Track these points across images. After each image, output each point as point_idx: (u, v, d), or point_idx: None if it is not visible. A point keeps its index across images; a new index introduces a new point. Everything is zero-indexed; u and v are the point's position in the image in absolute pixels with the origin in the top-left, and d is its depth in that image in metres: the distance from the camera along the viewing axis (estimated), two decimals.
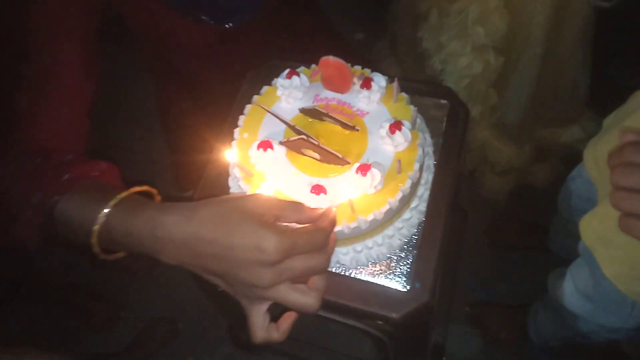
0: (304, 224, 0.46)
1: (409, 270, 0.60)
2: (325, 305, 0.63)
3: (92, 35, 0.63)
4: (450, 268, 1.14)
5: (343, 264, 0.61)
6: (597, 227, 0.62)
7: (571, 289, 0.75)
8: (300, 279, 0.46)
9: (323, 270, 0.47)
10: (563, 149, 1.13)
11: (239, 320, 1.05)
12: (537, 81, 0.95)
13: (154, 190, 0.52)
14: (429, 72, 1.01)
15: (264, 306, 0.48)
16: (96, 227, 0.46)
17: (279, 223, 0.45)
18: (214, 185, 0.68)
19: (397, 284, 0.60)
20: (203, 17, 0.74)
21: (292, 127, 0.59)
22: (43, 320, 1.27)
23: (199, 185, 0.69)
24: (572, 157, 0.93)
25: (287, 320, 0.51)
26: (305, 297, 0.45)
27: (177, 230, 0.43)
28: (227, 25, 0.76)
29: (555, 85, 0.99)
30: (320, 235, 0.45)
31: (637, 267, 0.59)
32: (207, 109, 0.85)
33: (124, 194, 0.47)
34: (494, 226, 1.32)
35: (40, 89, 0.57)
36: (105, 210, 0.46)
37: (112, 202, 0.46)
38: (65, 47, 0.59)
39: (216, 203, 0.44)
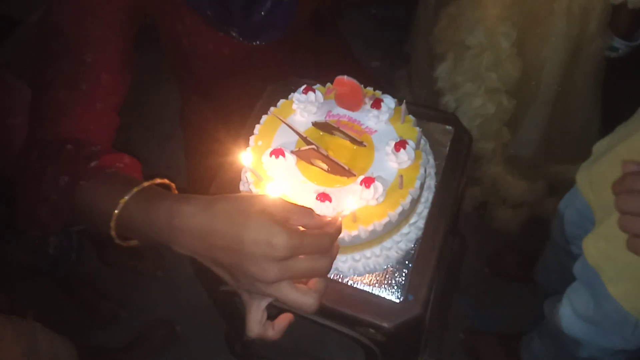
0: (311, 228, 0.49)
1: (403, 282, 0.63)
2: (321, 310, 0.66)
3: (130, 37, 0.67)
4: (447, 291, 1.15)
5: (341, 271, 0.64)
6: (602, 247, 0.64)
7: (569, 313, 0.76)
8: (302, 279, 0.48)
9: (325, 273, 0.49)
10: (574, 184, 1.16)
11: (237, 329, 1.07)
12: (548, 122, 0.99)
13: (172, 184, 0.55)
14: (444, 109, 1.05)
15: (264, 303, 0.50)
16: (116, 212, 0.49)
17: (289, 224, 0.48)
18: (225, 191, 0.72)
19: (391, 295, 0.62)
20: (233, 33, 0.78)
21: (304, 138, 0.64)
22: (47, 308, 1.30)
23: (210, 190, 0.73)
24: None
25: (284, 320, 0.53)
26: (305, 297, 0.47)
27: (192, 220, 0.45)
28: (255, 43, 0.81)
29: (566, 125, 1.02)
30: (326, 240, 0.48)
31: None
32: (226, 118, 0.90)
33: (145, 184, 0.51)
34: (494, 256, 1.34)
35: (78, 83, 0.60)
36: (127, 197, 0.49)
37: (135, 189, 0.49)
38: (106, 45, 0.63)
39: (232, 198, 0.47)
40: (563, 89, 0.94)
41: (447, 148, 0.74)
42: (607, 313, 0.65)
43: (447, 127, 0.76)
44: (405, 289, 0.63)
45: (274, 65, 0.84)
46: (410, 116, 0.67)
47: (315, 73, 0.74)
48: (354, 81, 0.64)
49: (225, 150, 0.69)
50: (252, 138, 0.68)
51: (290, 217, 0.47)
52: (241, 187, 0.70)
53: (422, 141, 0.67)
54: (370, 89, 0.70)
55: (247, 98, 0.79)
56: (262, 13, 0.77)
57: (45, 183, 0.54)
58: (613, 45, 0.88)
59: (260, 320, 0.51)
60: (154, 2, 0.72)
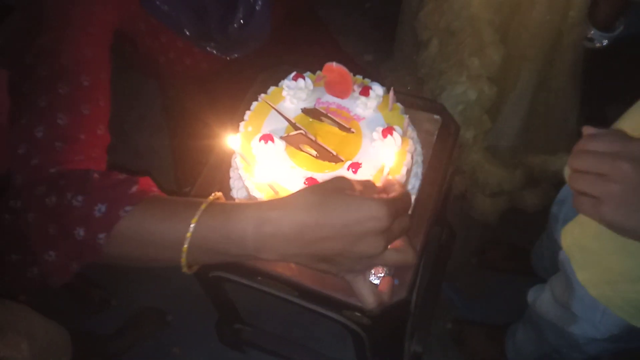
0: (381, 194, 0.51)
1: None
2: (309, 295, 0.67)
3: (112, 57, 0.64)
4: (434, 281, 1.17)
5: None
6: (575, 234, 0.66)
7: (549, 299, 0.78)
8: (397, 240, 0.50)
9: (410, 228, 0.51)
10: (553, 175, 1.18)
11: (227, 316, 1.08)
12: (528, 111, 1.01)
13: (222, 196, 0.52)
14: (427, 95, 1.07)
15: (367, 275, 0.52)
16: (189, 235, 0.45)
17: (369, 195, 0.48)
18: (214, 179, 0.72)
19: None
20: (210, 49, 0.78)
21: (292, 124, 0.64)
22: (34, 295, 1.30)
23: (199, 179, 0.73)
24: (563, 184, 0.98)
25: (388, 284, 0.54)
26: (405, 254, 0.50)
27: (284, 222, 0.44)
28: (233, 56, 0.80)
29: (546, 115, 1.04)
30: (407, 199, 0.50)
31: (608, 272, 0.62)
32: (211, 109, 0.90)
33: (210, 199, 0.48)
34: (482, 248, 1.36)
35: (80, 108, 0.56)
36: (197, 216, 0.45)
37: (203, 206, 0.46)
38: (100, 65, 0.60)
39: (306, 191, 0.46)
40: (543, 79, 0.95)
41: (435, 137, 0.75)
42: (579, 297, 0.67)
43: (436, 116, 0.77)
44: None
45: (255, 73, 0.84)
46: (398, 104, 0.68)
47: (297, 64, 0.74)
48: (342, 68, 0.65)
49: (214, 134, 0.69)
50: (242, 124, 0.68)
51: (362, 190, 0.48)
52: (231, 173, 0.71)
53: (410, 129, 0.68)
54: (359, 77, 0.71)
55: (231, 91, 0.79)
56: (236, 25, 0.77)
57: (69, 217, 0.48)
58: (591, 37, 0.89)
59: (374, 290, 0.51)
60: (132, 21, 0.71)
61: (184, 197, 0.50)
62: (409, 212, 0.51)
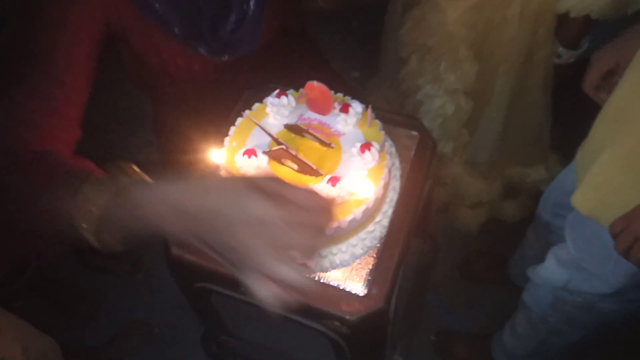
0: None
1: (368, 277, 0.67)
2: (289, 305, 0.69)
3: (97, 55, 0.67)
4: (417, 293, 1.19)
5: (308, 267, 0.67)
6: (591, 196, 0.69)
7: (554, 265, 0.82)
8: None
9: (315, 249, 0.45)
10: (531, 187, 1.22)
11: (213, 327, 1.09)
12: (504, 124, 1.05)
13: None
14: (409, 109, 1.11)
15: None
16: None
17: None
18: None
19: (356, 289, 0.66)
20: (201, 50, 0.79)
21: (275, 140, 0.67)
22: (24, 309, 1.30)
23: None
24: (540, 196, 1.02)
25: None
26: (297, 275, 0.42)
27: (186, 198, 0.42)
28: (224, 58, 0.82)
29: (521, 128, 1.09)
30: (323, 217, 0.44)
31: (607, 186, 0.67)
32: (200, 123, 0.92)
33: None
34: (465, 260, 1.39)
35: (46, 92, 0.58)
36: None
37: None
38: (79, 62, 0.62)
39: (231, 178, 0.46)
40: (516, 93, 1.00)
41: (413, 152, 0.78)
42: (594, 253, 0.69)
43: (413, 132, 0.80)
44: (370, 284, 0.66)
45: (245, 77, 0.86)
46: (377, 120, 0.71)
47: (287, 80, 0.77)
48: (323, 86, 0.68)
49: (200, 149, 0.72)
50: (226, 139, 0.71)
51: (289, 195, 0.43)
52: None
53: (387, 144, 0.72)
54: (340, 95, 0.74)
55: (220, 108, 0.82)
56: (228, 28, 0.79)
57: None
58: (559, 53, 0.94)
59: (269, 290, 0.43)
60: (123, 19, 0.73)
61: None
62: (323, 232, 0.44)
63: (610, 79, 0.77)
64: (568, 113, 0.86)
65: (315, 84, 0.68)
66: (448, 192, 1.29)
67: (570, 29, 0.89)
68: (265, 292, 0.43)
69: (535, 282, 0.88)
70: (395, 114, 0.81)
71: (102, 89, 0.70)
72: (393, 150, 0.75)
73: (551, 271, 0.84)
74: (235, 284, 0.70)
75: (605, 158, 0.67)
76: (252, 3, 0.79)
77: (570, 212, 0.76)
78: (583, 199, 0.71)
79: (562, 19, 0.89)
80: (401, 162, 0.76)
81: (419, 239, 1.10)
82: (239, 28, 0.80)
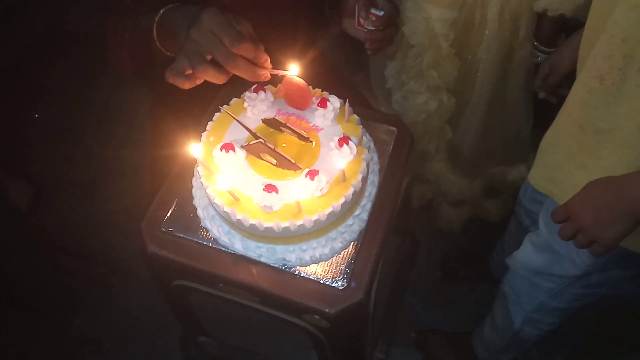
0: None
1: (347, 271, 0.67)
2: (270, 300, 0.69)
3: None
4: (397, 290, 1.20)
5: (288, 261, 0.67)
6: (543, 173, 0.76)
7: (529, 249, 0.86)
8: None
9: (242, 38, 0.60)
10: (512, 186, 1.24)
11: (192, 328, 1.07)
12: (484, 122, 1.07)
13: None
14: (395, 106, 1.12)
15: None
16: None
17: None
18: (177, 188, 0.74)
19: (335, 283, 0.66)
20: None
21: (253, 134, 0.67)
22: None
23: (166, 183, 0.75)
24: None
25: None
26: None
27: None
28: None
29: (501, 127, 1.10)
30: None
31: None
32: (182, 117, 0.91)
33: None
34: (446, 258, 1.40)
35: None
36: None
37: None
38: None
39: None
40: (497, 92, 1.02)
41: (391, 147, 0.78)
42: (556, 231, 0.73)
43: (392, 128, 0.81)
44: (349, 277, 0.66)
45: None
46: (355, 115, 0.72)
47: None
48: (301, 81, 0.68)
49: (179, 144, 0.71)
50: (204, 134, 0.70)
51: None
52: (193, 181, 0.73)
53: (365, 139, 0.72)
54: (318, 90, 0.74)
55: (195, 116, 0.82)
56: None
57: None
58: (536, 52, 0.97)
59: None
60: None
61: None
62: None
63: (548, 80, 0.93)
64: (549, 112, 0.88)
65: (293, 79, 0.68)
66: (431, 189, 1.30)
67: (546, 28, 0.92)
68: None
69: (512, 267, 0.91)
70: (373, 110, 0.81)
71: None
72: (371, 144, 0.76)
73: (527, 255, 0.87)
74: (212, 280, 0.70)
75: (547, 135, 0.75)
76: None
77: (546, 198, 0.79)
78: (536, 176, 0.78)
79: (540, 18, 0.92)
80: (380, 157, 0.76)
81: (399, 237, 1.11)
82: None
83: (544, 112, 1.15)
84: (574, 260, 0.77)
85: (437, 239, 1.43)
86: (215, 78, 0.61)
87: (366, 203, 0.71)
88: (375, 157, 0.75)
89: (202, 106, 0.82)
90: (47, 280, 1.39)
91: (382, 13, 0.78)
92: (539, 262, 0.84)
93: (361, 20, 0.79)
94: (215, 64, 0.60)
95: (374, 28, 0.78)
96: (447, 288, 1.38)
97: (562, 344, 1.25)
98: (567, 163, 0.70)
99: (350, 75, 1.74)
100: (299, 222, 0.62)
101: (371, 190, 0.72)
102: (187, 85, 0.61)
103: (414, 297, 1.36)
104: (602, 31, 0.58)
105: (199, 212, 0.70)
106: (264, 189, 0.63)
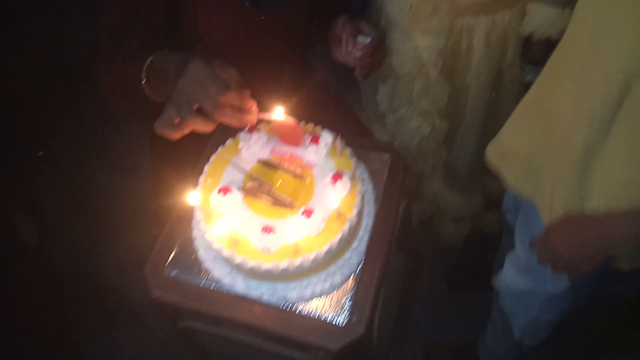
0: None
1: (348, 305, 0.68)
2: (273, 337, 0.70)
3: None
4: (403, 307, 1.20)
5: (289, 299, 0.67)
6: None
7: (510, 271, 0.87)
8: None
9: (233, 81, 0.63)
10: None
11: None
12: (478, 141, 1.07)
13: None
14: (388, 129, 1.13)
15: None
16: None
17: None
18: (178, 234, 0.75)
19: (337, 318, 0.67)
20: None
21: (249, 176, 0.68)
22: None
23: (165, 229, 0.76)
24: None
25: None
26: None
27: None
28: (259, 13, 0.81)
29: None
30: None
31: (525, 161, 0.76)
32: (179, 159, 0.92)
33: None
34: (449, 271, 1.41)
35: None
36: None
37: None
38: None
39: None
40: (489, 111, 1.03)
41: (386, 175, 0.79)
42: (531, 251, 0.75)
43: (385, 155, 0.82)
44: (350, 311, 0.67)
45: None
46: (347, 149, 0.73)
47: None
48: (291, 121, 0.69)
49: (180, 189, 0.72)
50: (201, 177, 0.72)
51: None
52: (193, 224, 0.74)
53: (360, 170, 0.73)
54: (310, 125, 0.76)
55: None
56: None
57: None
58: (526, 71, 0.98)
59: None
60: None
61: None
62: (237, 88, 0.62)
63: None
64: None
65: (283, 119, 0.69)
66: (430, 207, 1.31)
67: (535, 50, 0.93)
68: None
69: (498, 289, 0.91)
70: (365, 139, 0.83)
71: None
72: (366, 175, 0.77)
73: (509, 278, 0.88)
74: (216, 321, 0.71)
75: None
76: None
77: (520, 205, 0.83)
78: (491, 151, 0.84)
79: (528, 39, 0.93)
80: (375, 185, 0.77)
81: (402, 253, 1.11)
82: None
83: None
84: (555, 278, 0.78)
85: (441, 252, 1.43)
86: (203, 126, 0.62)
87: (363, 235, 0.72)
88: (371, 188, 0.76)
89: (198, 144, 0.83)
90: (53, 312, 1.40)
91: (369, 39, 0.79)
92: (522, 283, 0.85)
93: (349, 48, 0.80)
94: (202, 113, 0.62)
95: (362, 54, 0.80)
96: (453, 300, 1.38)
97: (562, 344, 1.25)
98: (515, 138, 0.77)
99: (343, 94, 1.75)
100: (298, 261, 0.63)
101: (367, 221, 0.73)
102: (176, 136, 0.63)
103: (420, 311, 1.36)
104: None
105: (201, 254, 0.71)
106: (262, 231, 0.64)
